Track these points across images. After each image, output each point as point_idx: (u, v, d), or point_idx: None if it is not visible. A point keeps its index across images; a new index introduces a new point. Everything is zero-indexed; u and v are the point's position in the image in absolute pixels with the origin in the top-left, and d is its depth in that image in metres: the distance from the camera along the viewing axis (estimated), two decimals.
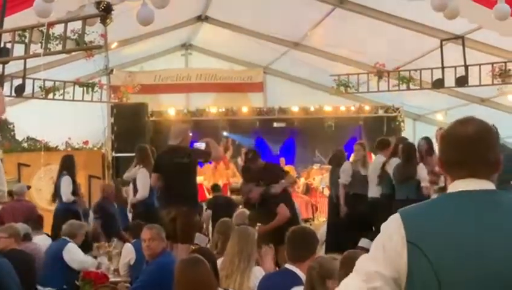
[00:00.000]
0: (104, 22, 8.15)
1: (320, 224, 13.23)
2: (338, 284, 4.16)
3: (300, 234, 5.27)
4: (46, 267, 7.94)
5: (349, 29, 13.12)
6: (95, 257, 8.46)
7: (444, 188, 8.92)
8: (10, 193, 11.07)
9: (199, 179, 12.65)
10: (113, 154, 13.61)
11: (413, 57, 13.21)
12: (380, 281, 2.17)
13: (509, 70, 11.44)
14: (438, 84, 11.74)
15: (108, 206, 10.56)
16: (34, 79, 12.25)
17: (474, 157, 2.21)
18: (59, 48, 8.73)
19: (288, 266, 5.07)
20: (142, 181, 9.70)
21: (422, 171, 9.23)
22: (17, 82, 11.80)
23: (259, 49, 15.75)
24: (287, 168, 14.97)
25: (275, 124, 17.31)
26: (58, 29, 8.59)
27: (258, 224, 8.41)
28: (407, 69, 13.01)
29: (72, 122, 14.78)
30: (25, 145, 14.85)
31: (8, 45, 8.33)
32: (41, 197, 12.62)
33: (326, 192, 15.08)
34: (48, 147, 14.12)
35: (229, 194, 14.32)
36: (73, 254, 7.98)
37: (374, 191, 9.95)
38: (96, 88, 13.67)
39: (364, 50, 13.85)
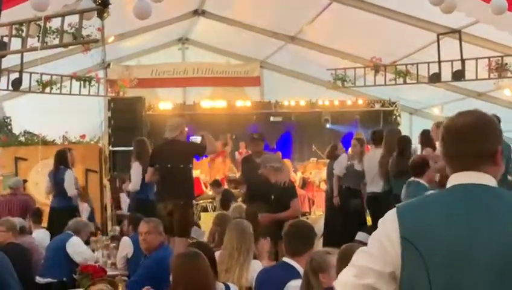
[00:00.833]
0: (101, 15, 8.13)
1: (317, 218, 13.25)
2: (332, 277, 4.22)
3: (297, 228, 5.29)
4: (47, 259, 8.02)
5: (346, 23, 13.13)
6: (93, 251, 8.49)
7: (440, 182, 8.95)
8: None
9: (195, 172, 12.67)
10: (110, 148, 13.59)
11: (410, 51, 13.22)
12: (373, 278, 2.16)
13: (506, 64, 11.45)
14: (435, 78, 11.74)
15: None
16: (31, 73, 12.23)
17: (467, 150, 2.20)
18: (56, 41, 8.72)
19: (286, 259, 5.10)
20: (134, 174, 9.73)
21: None
22: (14, 76, 11.77)
23: (256, 43, 15.75)
24: (285, 162, 15.00)
25: (272, 118, 17.34)
26: (55, 23, 8.59)
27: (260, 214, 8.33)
28: (403, 63, 13.00)
29: (69, 116, 14.77)
30: (22, 139, 14.84)
31: (5, 39, 8.31)
32: (38, 191, 12.61)
33: (323, 186, 15.13)
34: (45, 141, 14.11)
35: (226, 186, 14.33)
36: (77, 247, 8.04)
37: (374, 186, 9.86)
38: (93, 82, 13.64)
39: (361, 44, 13.85)
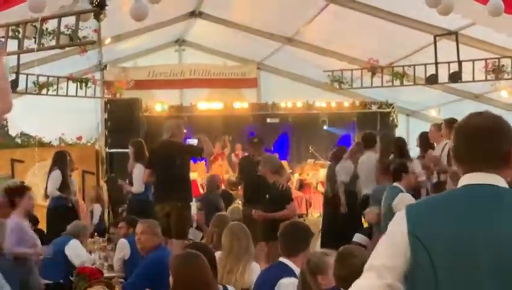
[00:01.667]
0: (97, 17, 8.15)
1: (314, 219, 13.25)
2: (331, 279, 4.22)
3: (291, 229, 5.37)
4: (45, 261, 7.99)
5: (342, 24, 13.13)
6: (90, 252, 8.48)
7: (439, 184, 8.95)
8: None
9: (192, 175, 12.65)
10: (107, 149, 13.58)
11: (407, 53, 13.22)
12: (390, 278, 2.17)
13: (503, 66, 11.46)
14: (432, 80, 11.76)
15: (212, 198, 10.83)
16: (27, 74, 12.22)
17: (481, 151, 2.20)
18: (52, 43, 8.70)
19: (282, 259, 5.14)
20: (137, 176, 9.72)
21: (416, 166, 9.21)
22: (10, 77, 11.75)
23: (253, 44, 15.74)
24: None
25: (269, 120, 17.32)
26: (51, 25, 8.57)
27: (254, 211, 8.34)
28: (400, 64, 13.02)
29: (66, 117, 14.75)
30: (19, 141, 14.81)
31: (2, 40, 8.31)
32: (35, 193, 12.57)
33: (320, 188, 15.12)
34: (42, 143, 14.09)
35: (224, 187, 14.31)
36: (76, 250, 8.03)
37: (370, 188, 9.82)
38: (89, 84, 13.64)
39: (358, 46, 13.85)
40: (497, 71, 11.51)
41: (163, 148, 8.67)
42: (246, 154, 10.18)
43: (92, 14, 7.97)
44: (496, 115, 2.29)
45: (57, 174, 10.41)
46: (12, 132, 15.14)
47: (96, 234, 9.46)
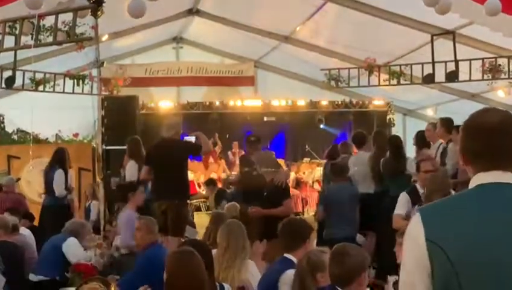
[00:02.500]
0: (95, 14, 8.12)
1: (310, 218, 13.24)
2: (327, 276, 4.23)
3: (289, 224, 5.48)
4: (42, 258, 8.01)
5: (340, 23, 13.14)
6: (85, 249, 8.48)
7: None
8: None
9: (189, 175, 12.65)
10: (104, 147, 13.56)
11: (404, 52, 13.23)
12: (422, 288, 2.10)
13: (499, 65, 11.47)
14: (429, 79, 11.76)
15: None
16: (24, 71, 12.20)
17: (499, 149, 2.11)
18: (50, 39, 8.70)
19: (286, 255, 5.23)
20: (130, 173, 9.73)
21: (411, 165, 9.20)
22: (7, 74, 11.75)
23: (250, 43, 15.74)
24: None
25: (265, 118, 17.32)
26: (49, 21, 8.56)
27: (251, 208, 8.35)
28: (397, 63, 13.03)
29: (62, 114, 14.75)
30: (15, 137, 14.79)
31: None
32: (31, 189, 12.60)
33: (316, 186, 15.15)
34: (38, 140, 14.08)
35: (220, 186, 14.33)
36: (73, 248, 8.02)
37: (366, 187, 9.82)
38: (86, 80, 13.62)
39: (355, 44, 13.85)
40: (493, 71, 11.52)
41: (162, 146, 8.68)
42: (243, 152, 10.18)
43: (90, 10, 7.95)
44: (509, 112, 2.21)
45: (60, 173, 10.40)
46: (9, 128, 15.14)
47: (91, 231, 9.46)
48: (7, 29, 8.35)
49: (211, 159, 15.90)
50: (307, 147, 17.04)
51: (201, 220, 11.24)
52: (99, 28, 11.38)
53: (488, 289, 2.00)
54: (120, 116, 13.42)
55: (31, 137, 13.72)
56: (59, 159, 10.56)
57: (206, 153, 11.75)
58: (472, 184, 2.15)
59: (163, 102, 16.63)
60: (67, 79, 13.36)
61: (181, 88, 17.93)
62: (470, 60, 11.25)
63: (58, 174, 10.37)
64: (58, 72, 13.35)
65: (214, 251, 5.76)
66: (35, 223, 10.45)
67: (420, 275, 2.08)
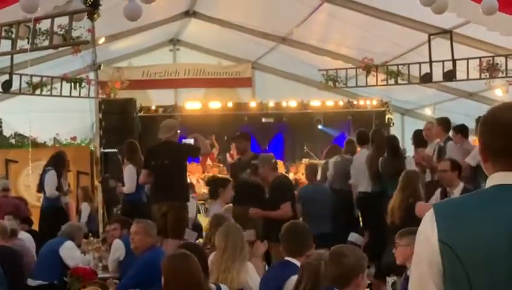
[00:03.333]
0: (91, 17, 8.12)
1: None
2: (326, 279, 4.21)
3: (294, 229, 5.42)
4: (40, 262, 7.99)
5: (337, 23, 13.13)
6: (84, 253, 8.46)
7: (431, 182, 8.93)
8: None
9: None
10: (102, 149, 13.55)
11: (401, 52, 13.24)
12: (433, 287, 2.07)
13: (497, 64, 11.48)
14: (426, 78, 11.76)
15: None
16: (21, 75, 12.19)
17: None
18: (46, 43, 8.67)
19: (287, 258, 5.19)
20: (128, 176, 9.71)
21: (409, 165, 9.20)
22: (4, 78, 11.74)
23: (248, 44, 15.73)
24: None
25: (264, 119, 17.30)
26: (45, 25, 8.54)
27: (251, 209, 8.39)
28: (395, 63, 13.03)
29: (60, 118, 14.74)
30: (13, 141, 14.77)
31: None
32: (29, 193, 12.56)
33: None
34: (36, 143, 14.06)
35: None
36: (70, 252, 8.00)
37: (365, 186, 9.81)
38: (83, 84, 13.60)
39: (352, 45, 13.87)
40: (491, 69, 11.53)
41: (161, 148, 8.66)
42: (238, 157, 10.18)
43: (86, 13, 7.94)
44: None
45: (52, 174, 10.42)
46: (7, 132, 15.12)
47: (90, 234, 9.45)
48: (3, 33, 8.32)
49: (209, 161, 15.88)
50: (305, 147, 17.02)
51: (200, 222, 11.22)
52: (96, 31, 11.39)
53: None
54: (118, 119, 13.44)
55: (30, 141, 13.69)
56: (54, 162, 10.59)
57: (204, 155, 11.75)
58: (490, 183, 2.08)
59: (158, 105, 16.60)
60: (64, 82, 13.34)
61: (178, 90, 17.92)
62: (468, 59, 11.25)
63: (50, 175, 10.40)
64: (55, 75, 13.34)
65: (213, 254, 5.76)
66: (36, 227, 10.44)
67: (432, 274, 2.04)
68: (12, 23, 8.08)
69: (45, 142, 14.70)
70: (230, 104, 16.91)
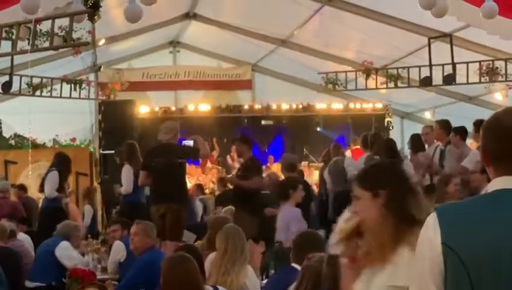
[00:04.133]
0: (91, 18, 8.12)
1: None
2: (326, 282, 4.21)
3: (306, 238, 5.42)
4: (36, 263, 7.96)
5: (337, 27, 13.13)
6: (83, 254, 8.45)
7: (431, 186, 8.93)
8: None
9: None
10: (101, 151, 13.56)
11: (401, 55, 13.23)
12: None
13: (497, 68, 11.48)
14: (426, 82, 11.76)
15: None
16: (21, 76, 12.20)
17: None
18: (46, 44, 8.68)
19: (293, 264, 5.19)
20: (125, 177, 9.72)
21: (408, 167, 9.19)
22: (4, 79, 11.75)
23: (248, 46, 15.73)
24: (275, 165, 15.00)
25: (263, 122, 17.32)
26: (45, 26, 8.55)
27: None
28: (395, 66, 13.04)
29: (60, 119, 14.74)
30: (12, 142, 14.78)
31: None
32: (29, 194, 12.56)
33: (314, 189, 15.11)
34: (35, 145, 14.06)
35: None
36: (66, 252, 7.98)
37: None
38: (83, 85, 13.62)
39: (352, 48, 13.88)
40: (491, 73, 11.53)
41: (160, 150, 8.67)
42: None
43: (86, 15, 7.94)
44: None
45: (54, 175, 10.42)
46: (6, 133, 15.12)
47: (89, 235, 9.44)
48: (3, 34, 8.33)
49: (209, 164, 15.88)
50: (305, 150, 17.02)
51: None
52: (96, 33, 11.40)
53: None
54: (117, 121, 13.46)
55: (30, 142, 13.70)
56: (58, 163, 10.60)
57: (204, 157, 11.75)
58: (492, 187, 2.09)
59: (158, 106, 16.61)
60: (64, 84, 13.36)
61: (178, 92, 17.91)
62: (467, 62, 11.26)
63: (51, 175, 10.41)
64: (55, 76, 13.35)
65: (212, 255, 5.75)
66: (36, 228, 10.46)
67: (433, 276, 2.05)
68: (13, 24, 8.08)
69: (44, 143, 14.70)
70: (230, 107, 16.93)
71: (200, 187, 14.04)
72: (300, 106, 17.03)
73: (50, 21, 7.81)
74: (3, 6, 7.77)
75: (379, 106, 16.87)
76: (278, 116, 17.26)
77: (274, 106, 17.02)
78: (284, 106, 17.03)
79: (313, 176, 15.80)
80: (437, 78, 11.51)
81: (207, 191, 14.86)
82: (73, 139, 15.03)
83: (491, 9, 7.66)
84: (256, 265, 6.21)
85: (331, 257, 4.14)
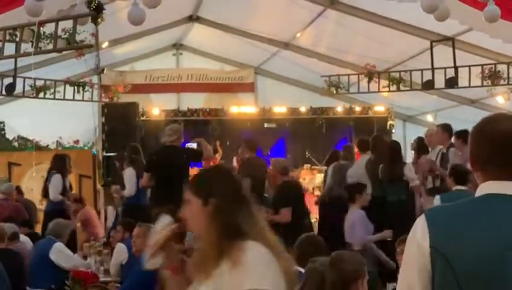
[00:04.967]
0: (95, 21, 8.15)
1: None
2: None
3: (310, 241, 5.49)
4: (33, 268, 7.91)
5: (340, 30, 13.14)
6: (85, 257, 8.46)
7: (434, 189, 8.94)
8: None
9: None
10: (104, 153, 13.58)
11: (404, 58, 13.24)
12: None
13: (499, 71, 11.49)
14: (428, 85, 11.77)
15: None
16: (24, 78, 12.23)
17: (510, 157, 2.06)
18: (50, 46, 8.73)
19: (297, 268, 5.19)
20: (128, 179, 9.73)
21: (409, 171, 9.21)
22: (8, 81, 11.77)
23: (250, 49, 15.75)
24: None
25: (266, 125, 17.32)
26: (49, 28, 8.59)
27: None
28: (397, 70, 13.05)
29: (63, 121, 14.76)
30: (16, 144, 14.81)
31: None
32: (32, 196, 12.59)
33: (317, 192, 15.10)
34: (39, 146, 14.09)
35: None
36: (60, 254, 7.96)
37: None
38: (87, 87, 13.65)
39: (355, 51, 13.88)
40: (493, 77, 11.54)
41: (163, 152, 8.68)
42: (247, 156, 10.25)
43: (90, 18, 7.98)
44: None
45: (57, 178, 10.43)
46: (10, 135, 15.15)
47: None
48: (7, 37, 8.37)
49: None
50: (307, 153, 17.01)
51: None
52: (99, 35, 11.43)
53: None
54: (120, 123, 13.46)
55: (34, 144, 13.74)
56: (59, 165, 10.60)
57: (207, 159, 11.74)
58: (480, 192, 2.11)
59: (161, 109, 16.62)
60: (67, 86, 13.39)
61: (181, 95, 17.93)
62: (470, 66, 11.27)
63: (55, 179, 10.42)
64: (58, 79, 13.37)
65: None
66: (37, 230, 10.46)
67: (421, 280, 2.06)
68: (17, 26, 8.12)
69: (48, 145, 14.72)
70: (232, 110, 16.95)
71: None
72: (303, 109, 17.05)
73: (54, 23, 7.85)
74: (7, 8, 7.80)
75: (381, 109, 16.88)
76: (280, 120, 17.27)
77: (276, 109, 17.04)
78: (287, 109, 17.04)
79: (315, 180, 15.81)
80: (439, 82, 11.53)
81: None
82: (77, 142, 15.05)
83: (494, 13, 7.68)
84: None
85: (334, 260, 4.16)
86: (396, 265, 5.38)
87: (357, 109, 17.05)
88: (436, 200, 7.36)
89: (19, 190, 12.04)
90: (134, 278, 6.35)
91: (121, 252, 7.96)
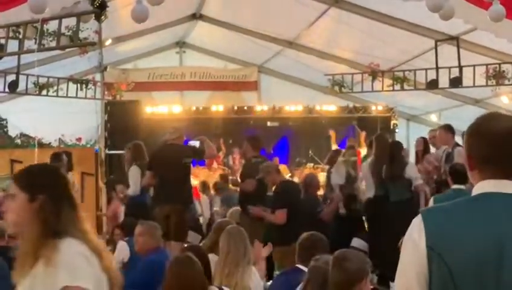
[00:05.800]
0: (98, 18, 8.15)
1: None
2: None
3: (310, 240, 5.41)
4: None
5: (344, 28, 13.12)
6: None
7: (438, 189, 8.91)
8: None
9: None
10: (107, 151, 13.56)
11: (408, 58, 13.21)
12: None
13: (503, 71, 11.47)
14: (432, 84, 11.76)
15: None
16: (27, 75, 12.22)
17: (507, 156, 2.07)
18: (53, 44, 8.71)
19: (299, 265, 5.17)
20: (133, 178, 9.70)
21: (411, 170, 9.17)
22: (11, 78, 11.77)
23: (254, 47, 15.73)
24: (281, 167, 14.97)
25: (269, 123, 17.32)
26: (52, 26, 8.57)
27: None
28: (401, 69, 13.02)
29: (66, 119, 14.75)
30: (18, 141, 14.80)
31: (2, 41, 8.31)
32: None
33: (320, 191, 15.08)
34: (41, 144, 14.07)
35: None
36: None
37: (369, 191, 9.80)
38: (89, 85, 13.64)
39: (358, 50, 13.85)
40: (497, 77, 11.52)
41: (165, 150, 8.67)
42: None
43: (93, 15, 7.97)
44: None
45: None
46: (12, 132, 15.14)
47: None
48: (11, 34, 8.35)
49: (215, 164, 15.87)
50: (310, 152, 17.00)
51: None
52: (103, 33, 11.41)
53: None
54: (123, 121, 13.46)
55: (36, 141, 13.71)
56: (54, 163, 10.56)
57: (210, 157, 11.75)
58: (477, 190, 2.11)
59: (164, 107, 16.62)
60: (70, 83, 13.38)
61: (184, 93, 17.93)
62: (474, 66, 11.24)
63: None
64: (61, 76, 13.36)
65: (210, 256, 5.73)
66: None
67: (418, 279, 2.06)
68: (20, 23, 8.11)
69: (50, 143, 14.71)
70: (235, 108, 16.95)
71: (205, 184, 14.04)
72: (306, 108, 17.03)
73: (57, 21, 7.84)
74: (11, 5, 7.78)
75: (385, 108, 16.86)
76: (283, 118, 17.27)
77: (280, 108, 17.03)
78: (290, 108, 17.03)
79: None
80: (443, 81, 11.50)
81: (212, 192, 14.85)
82: (79, 139, 15.04)
83: (499, 12, 7.65)
84: (261, 267, 6.20)
85: (338, 259, 4.14)
86: None
87: (361, 108, 17.02)
88: (431, 201, 7.35)
89: None
90: (137, 275, 6.33)
91: (121, 250, 7.94)
